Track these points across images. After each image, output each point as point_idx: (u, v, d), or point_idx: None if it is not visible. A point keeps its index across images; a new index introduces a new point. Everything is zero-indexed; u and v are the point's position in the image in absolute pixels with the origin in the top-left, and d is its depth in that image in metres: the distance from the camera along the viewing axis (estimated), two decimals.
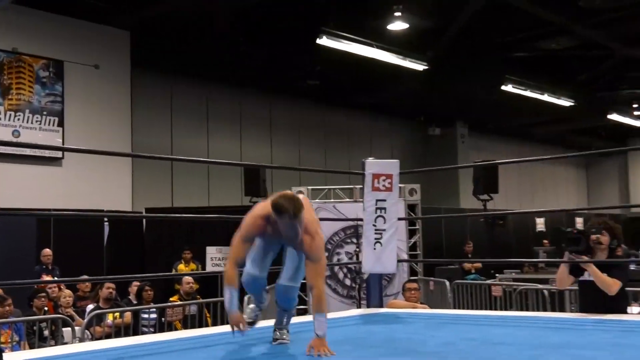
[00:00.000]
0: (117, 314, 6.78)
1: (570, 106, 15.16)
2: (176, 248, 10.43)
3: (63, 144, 10.21)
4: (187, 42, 11.28)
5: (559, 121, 18.02)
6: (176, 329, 6.70)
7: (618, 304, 4.31)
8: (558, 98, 14.64)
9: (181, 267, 10.02)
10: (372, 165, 5.15)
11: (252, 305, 3.51)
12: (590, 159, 23.26)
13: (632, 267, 10.71)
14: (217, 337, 3.74)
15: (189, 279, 7.96)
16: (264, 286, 3.47)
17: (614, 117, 17.12)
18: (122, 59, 11.06)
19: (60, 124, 10.28)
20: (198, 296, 8.07)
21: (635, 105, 17.30)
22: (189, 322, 7.07)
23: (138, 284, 7.71)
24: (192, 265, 10.15)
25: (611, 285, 4.13)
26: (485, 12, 10.34)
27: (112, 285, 7.07)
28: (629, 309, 5.13)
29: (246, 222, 3.36)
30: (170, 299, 8.01)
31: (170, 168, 12.97)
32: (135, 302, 7.76)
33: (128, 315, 6.81)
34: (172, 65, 12.58)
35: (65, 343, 5.88)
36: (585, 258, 4.21)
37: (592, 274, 4.15)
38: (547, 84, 14.16)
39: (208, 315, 7.28)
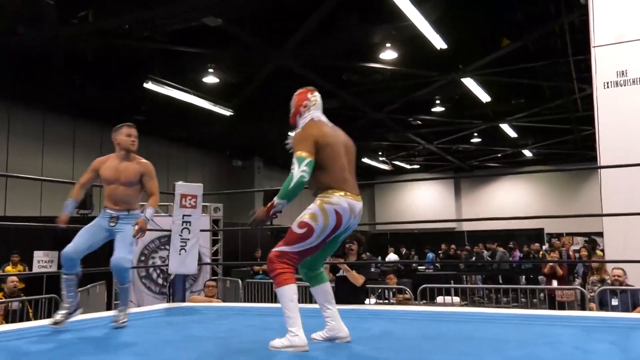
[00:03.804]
0: None
1: None
2: (5, 252, 9.22)
3: None
4: (27, 73, 10.09)
5: None
6: None
7: (359, 297, 4.65)
8: None
9: (8, 268, 8.86)
10: (181, 187, 5.06)
11: None
12: None
13: (372, 269, 11.57)
14: (36, 329, 3.33)
15: (13, 278, 7.04)
16: None
17: (366, 160, 18.43)
18: None
19: None
20: (22, 294, 7.16)
21: (379, 153, 18.86)
22: (9, 317, 6.24)
23: None
24: (20, 267, 9.02)
25: (357, 279, 4.48)
26: (275, 75, 10.59)
27: None
28: (366, 301, 5.53)
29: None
30: None
31: (5, 182, 11.45)
32: None
33: None
34: (11, 92, 11.18)
35: None
36: (341, 260, 4.56)
37: (345, 270, 4.49)
38: None
39: (30, 310, 6.50)
